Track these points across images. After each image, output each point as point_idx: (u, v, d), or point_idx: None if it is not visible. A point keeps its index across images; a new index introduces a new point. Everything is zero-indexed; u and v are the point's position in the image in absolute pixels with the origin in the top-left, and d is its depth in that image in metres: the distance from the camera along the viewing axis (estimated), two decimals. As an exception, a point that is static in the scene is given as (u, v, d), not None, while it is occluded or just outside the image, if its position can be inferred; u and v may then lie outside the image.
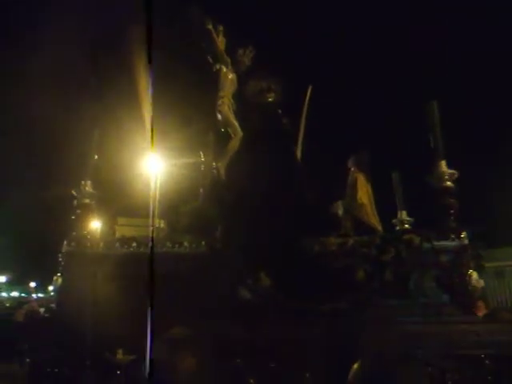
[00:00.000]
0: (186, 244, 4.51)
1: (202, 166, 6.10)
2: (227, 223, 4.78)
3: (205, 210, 5.29)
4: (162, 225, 6.06)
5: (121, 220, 6.75)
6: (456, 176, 4.36)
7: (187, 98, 6.22)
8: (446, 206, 4.25)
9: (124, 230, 6.31)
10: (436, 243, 4.08)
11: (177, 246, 4.58)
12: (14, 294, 26.20)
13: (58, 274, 4.51)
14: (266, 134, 4.97)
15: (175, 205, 5.75)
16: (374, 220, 5.20)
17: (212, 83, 6.12)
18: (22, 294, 25.05)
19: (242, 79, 6.03)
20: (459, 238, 4.10)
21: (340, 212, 5.18)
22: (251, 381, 3.83)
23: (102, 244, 4.51)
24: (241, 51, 6.18)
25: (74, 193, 4.62)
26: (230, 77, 6.11)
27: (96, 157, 5.32)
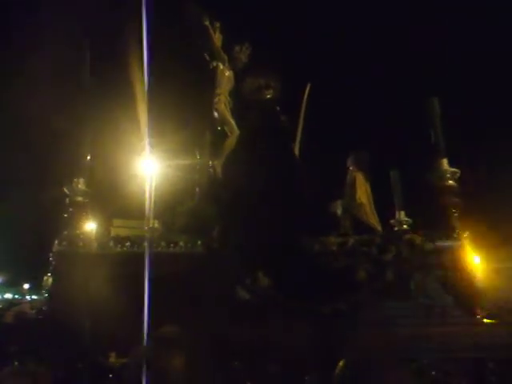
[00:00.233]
0: (181, 244, 4.39)
1: (198, 166, 6.00)
2: (224, 222, 4.67)
3: (201, 210, 5.17)
4: (157, 225, 5.94)
5: (116, 222, 6.62)
6: (458, 175, 4.27)
7: (183, 97, 6.12)
8: (448, 204, 4.15)
9: (120, 231, 6.18)
10: (439, 243, 3.98)
11: (172, 245, 4.45)
12: (8, 295, 25.90)
13: (49, 275, 4.37)
14: (264, 132, 4.86)
15: (171, 205, 5.63)
16: (374, 220, 5.12)
17: (208, 81, 6.03)
18: (16, 296, 24.76)
19: (238, 76, 5.94)
20: (462, 237, 4.01)
21: (339, 211, 5.09)
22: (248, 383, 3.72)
23: (94, 243, 4.38)
24: (238, 48, 6.08)
25: (65, 190, 4.48)
26: (226, 74, 6.02)
27: (89, 157, 5.19)
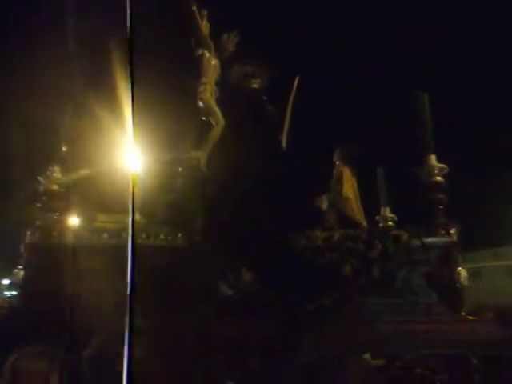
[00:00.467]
0: (162, 236, 4.23)
1: (182, 157, 5.82)
2: (207, 215, 4.53)
3: (184, 202, 5.01)
4: (138, 217, 5.76)
5: (100, 217, 6.40)
6: (446, 171, 4.23)
7: (167, 85, 5.92)
8: (435, 201, 4.11)
9: (104, 226, 5.97)
10: (425, 239, 3.93)
11: (152, 238, 4.30)
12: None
13: (20, 267, 4.15)
14: (250, 122, 4.73)
15: (153, 196, 5.46)
16: (359, 215, 5.04)
17: (194, 69, 5.85)
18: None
19: (225, 65, 5.78)
20: (448, 234, 3.97)
21: (324, 206, 5.00)
22: (231, 379, 3.62)
23: (70, 234, 4.18)
24: (225, 36, 5.91)
25: (39, 179, 4.26)
26: (213, 63, 5.84)
27: (64, 148, 5.00)
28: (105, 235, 4.45)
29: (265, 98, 5.01)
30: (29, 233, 4.05)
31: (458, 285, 3.86)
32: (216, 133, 5.38)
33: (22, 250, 4.11)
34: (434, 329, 3.64)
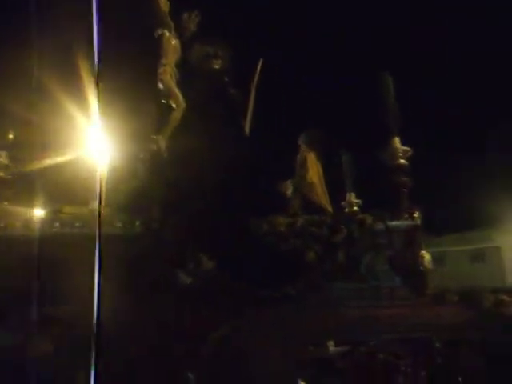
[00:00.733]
0: (119, 224, 4.01)
1: (142, 141, 5.57)
2: (167, 201, 4.32)
3: (143, 188, 4.78)
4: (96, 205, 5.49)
5: (67, 209, 6.07)
6: (410, 153, 4.17)
7: (125, 67, 5.63)
8: (398, 184, 4.04)
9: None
10: (389, 223, 3.87)
11: (108, 226, 4.05)
12: None
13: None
14: (211, 104, 4.53)
15: (111, 183, 5.19)
16: (325, 200, 4.96)
17: (153, 50, 5.57)
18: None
19: (186, 46, 5.53)
20: (412, 217, 3.92)
21: (289, 192, 4.89)
22: (190, 373, 3.48)
23: (17, 224, 3.90)
24: (186, 15, 5.64)
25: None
26: (172, 43, 5.57)
27: (11, 135, 4.70)
28: (56, 224, 4.19)
29: (227, 79, 4.81)
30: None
31: (421, 268, 3.82)
32: (177, 116, 5.14)
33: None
34: (397, 313, 3.60)
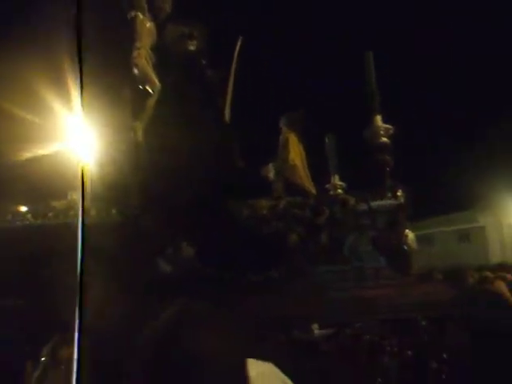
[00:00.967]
0: (92, 213, 3.87)
1: (119, 128, 5.40)
2: (144, 188, 4.19)
3: (119, 175, 4.63)
4: (74, 196, 5.34)
5: (44, 201, 5.89)
6: (392, 131, 4.09)
7: (98, 50, 5.42)
8: (381, 163, 3.97)
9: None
10: (372, 203, 3.80)
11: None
12: None
13: None
14: (188, 87, 4.38)
15: (90, 172, 5.01)
16: (308, 183, 4.87)
17: (126, 33, 5.37)
18: None
19: (161, 28, 5.33)
20: (395, 196, 3.86)
21: (271, 175, 4.79)
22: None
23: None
24: (160, -4, 5.44)
25: None
26: (147, 25, 5.36)
27: None
28: (28, 215, 4.05)
29: (204, 61, 4.65)
30: None
31: (405, 247, 3.77)
32: (153, 101, 4.98)
33: None
34: (382, 293, 3.55)
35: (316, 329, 3.42)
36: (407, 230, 3.82)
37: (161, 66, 5.15)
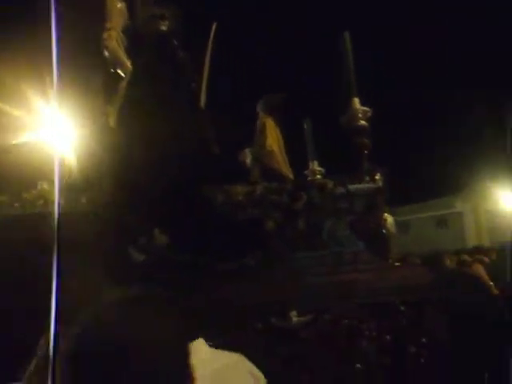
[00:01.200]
0: (61, 202, 3.67)
1: (90, 114, 5.18)
2: (116, 174, 4.02)
3: (90, 162, 4.45)
4: (45, 186, 5.13)
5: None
6: (369, 114, 4.01)
7: (67, 32, 5.18)
8: (359, 146, 3.89)
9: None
10: (350, 187, 3.72)
11: (51, 204, 3.74)
12: None
13: None
14: (159, 68, 4.21)
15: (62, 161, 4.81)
16: (285, 169, 4.76)
17: (97, 14, 5.14)
18: None
19: (133, 8, 5.12)
20: (373, 180, 3.79)
21: (248, 160, 4.67)
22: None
23: None
24: (131, -25, 5.21)
25: None
26: (118, 6, 5.14)
27: None
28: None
29: (176, 42, 4.47)
30: None
31: (384, 231, 3.72)
32: (124, 84, 4.79)
33: None
34: (361, 278, 3.49)
35: (294, 316, 3.34)
36: (386, 214, 3.77)
37: (132, 48, 4.95)
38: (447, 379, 3.13)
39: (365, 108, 3.98)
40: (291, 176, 4.71)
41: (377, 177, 3.78)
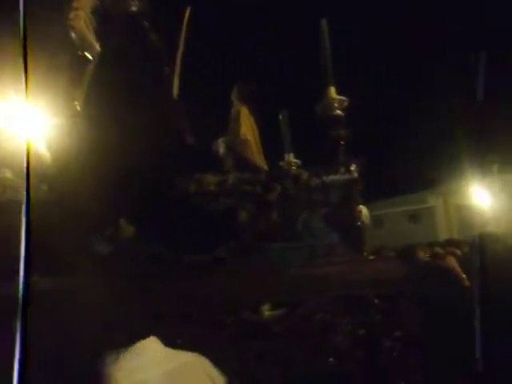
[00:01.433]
0: (21, 189, 3.44)
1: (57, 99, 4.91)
2: (81, 162, 3.81)
3: (54, 149, 4.21)
4: (7, 174, 4.85)
5: None
6: (346, 104, 3.93)
7: (31, 12, 4.88)
8: (335, 136, 3.80)
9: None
10: (325, 178, 3.63)
11: (9, 191, 3.51)
12: None
13: None
14: (129, 50, 4.00)
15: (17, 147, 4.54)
16: (260, 159, 4.64)
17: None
18: None
19: (101, -12, 4.86)
20: (349, 171, 3.71)
21: (221, 150, 4.51)
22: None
23: None
24: (99, -48, 4.94)
25: None
26: (86, -15, 4.88)
27: None
28: None
29: (147, 24, 4.27)
30: None
31: (359, 223, 3.65)
32: (92, 67, 4.54)
33: None
34: (335, 271, 3.41)
35: (267, 310, 3.23)
36: (361, 206, 3.70)
37: (101, 29, 4.70)
38: (421, 372, 3.09)
39: (341, 97, 3.89)
40: (265, 167, 4.60)
41: (352, 168, 3.70)
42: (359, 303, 3.42)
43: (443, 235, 13.88)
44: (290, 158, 5.59)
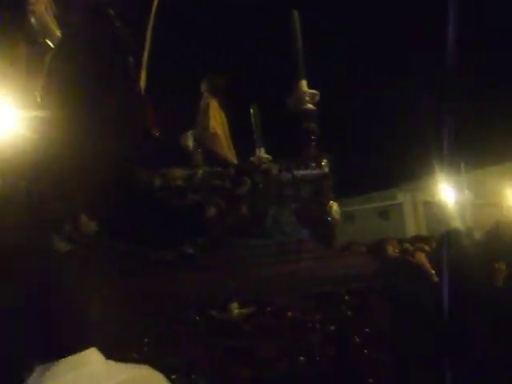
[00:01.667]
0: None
1: (16, 90, 4.65)
2: (39, 155, 3.60)
3: (11, 143, 3.97)
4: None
5: None
6: (318, 97, 3.87)
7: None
8: (306, 130, 3.74)
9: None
10: (296, 172, 3.56)
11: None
12: None
13: None
14: (91, 38, 3.81)
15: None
16: (230, 154, 4.54)
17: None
18: None
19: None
20: (320, 166, 3.66)
21: (190, 144, 4.38)
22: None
23: None
24: None
25: None
26: (46, -33, 4.64)
27: None
28: None
29: (112, 11, 4.08)
30: None
31: (329, 219, 3.60)
32: (52, 55, 4.32)
33: None
34: (304, 267, 3.35)
35: (236, 308, 3.14)
36: (332, 202, 3.65)
37: (61, 15, 4.48)
38: (392, 370, 3.07)
39: (313, 91, 3.83)
40: (235, 161, 4.50)
41: (323, 163, 3.65)
42: (330, 299, 3.37)
43: (412, 231, 14.16)
44: (261, 153, 5.52)
